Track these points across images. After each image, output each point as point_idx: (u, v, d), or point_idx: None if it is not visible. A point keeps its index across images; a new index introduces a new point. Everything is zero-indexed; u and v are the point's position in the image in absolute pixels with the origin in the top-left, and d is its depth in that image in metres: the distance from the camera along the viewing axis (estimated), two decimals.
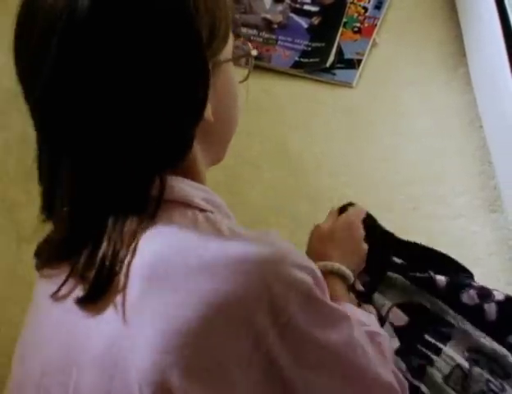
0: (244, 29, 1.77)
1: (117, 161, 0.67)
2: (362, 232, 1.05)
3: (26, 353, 0.74)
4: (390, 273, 1.07)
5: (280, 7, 1.81)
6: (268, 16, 1.79)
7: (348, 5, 1.78)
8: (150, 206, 0.68)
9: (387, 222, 1.44)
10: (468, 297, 1.04)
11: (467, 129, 1.58)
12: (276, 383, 0.66)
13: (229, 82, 0.78)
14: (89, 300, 0.67)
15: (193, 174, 0.74)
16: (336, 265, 0.97)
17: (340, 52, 1.71)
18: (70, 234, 0.70)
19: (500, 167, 1.48)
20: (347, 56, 1.70)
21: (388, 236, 1.12)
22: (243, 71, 0.84)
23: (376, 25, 1.74)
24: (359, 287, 1.05)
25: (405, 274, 1.08)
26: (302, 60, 1.71)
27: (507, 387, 0.96)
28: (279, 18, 1.79)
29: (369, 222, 1.10)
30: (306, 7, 1.80)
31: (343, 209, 1.12)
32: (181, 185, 0.70)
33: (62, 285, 0.69)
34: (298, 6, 1.81)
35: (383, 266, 1.07)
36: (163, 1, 0.65)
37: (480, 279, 1.12)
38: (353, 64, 1.69)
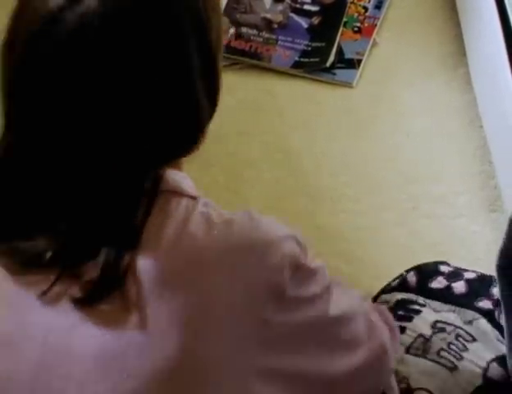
0: (244, 29, 1.77)
1: (121, 156, 0.67)
2: None
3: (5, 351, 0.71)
4: None
5: (280, 7, 1.80)
6: (268, 16, 1.79)
7: (348, 5, 1.77)
8: (145, 198, 0.68)
9: (387, 222, 1.44)
10: (437, 283, 1.06)
11: (467, 128, 1.58)
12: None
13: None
14: (90, 301, 0.66)
15: (175, 163, 0.75)
16: None
17: (340, 51, 1.71)
18: (67, 243, 0.68)
19: (501, 166, 1.48)
20: (347, 56, 1.70)
21: None
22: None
23: (376, 24, 1.74)
24: None
25: (384, 290, 1.10)
26: (302, 60, 1.71)
27: (471, 347, 0.97)
28: (279, 18, 1.79)
29: None
30: (306, 7, 1.80)
31: None
32: (171, 175, 0.71)
33: (52, 285, 0.67)
34: (298, 5, 1.80)
35: None
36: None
37: None
38: (353, 64, 1.69)
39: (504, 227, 1.40)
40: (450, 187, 1.49)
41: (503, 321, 0.96)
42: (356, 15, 1.76)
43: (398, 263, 1.24)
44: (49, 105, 0.66)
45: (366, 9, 1.77)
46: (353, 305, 0.83)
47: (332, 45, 1.72)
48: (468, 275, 1.09)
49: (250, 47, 1.73)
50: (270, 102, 1.67)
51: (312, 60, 1.70)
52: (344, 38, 1.73)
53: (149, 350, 0.65)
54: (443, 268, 1.11)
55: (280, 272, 0.70)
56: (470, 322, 1.01)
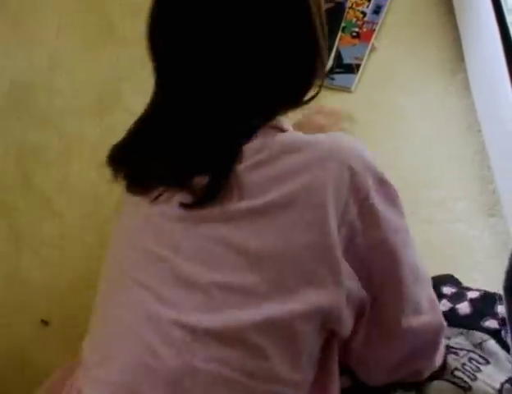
0: None
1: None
2: None
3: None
4: None
5: None
6: None
7: (346, 10, 1.78)
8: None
9: None
10: (441, 306, 1.05)
11: (466, 133, 1.58)
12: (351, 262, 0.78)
13: None
14: (202, 202, 0.77)
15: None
16: None
17: (338, 56, 1.71)
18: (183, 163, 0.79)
19: (499, 171, 1.48)
20: (346, 61, 1.70)
21: None
22: None
23: (374, 29, 1.74)
24: None
25: None
26: None
27: (484, 369, 0.96)
28: None
29: None
30: None
31: None
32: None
33: (161, 194, 0.80)
34: None
35: None
36: None
37: (479, 284, 1.12)
38: (351, 69, 1.69)
39: (502, 232, 1.42)
40: (448, 192, 1.49)
41: (509, 340, 0.96)
42: (355, 20, 1.77)
43: None
44: (189, 41, 0.78)
45: (364, 14, 1.77)
46: (425, 269, 0.89)
47: (331, 50, 1.72)
48: (472, 295, 1.08)
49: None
50: None
51: None
52: (342, 43, 1.73)
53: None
54: (446, 290, 1.10)
55: (363, 176, 0.79)
56: (480, 345, 1.00)
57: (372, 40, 1.72)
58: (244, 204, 0.76)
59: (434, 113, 1.62)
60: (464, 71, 1.66)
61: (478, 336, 1.01)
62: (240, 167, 0.77)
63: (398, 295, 0.83)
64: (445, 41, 1.73)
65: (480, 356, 0.99)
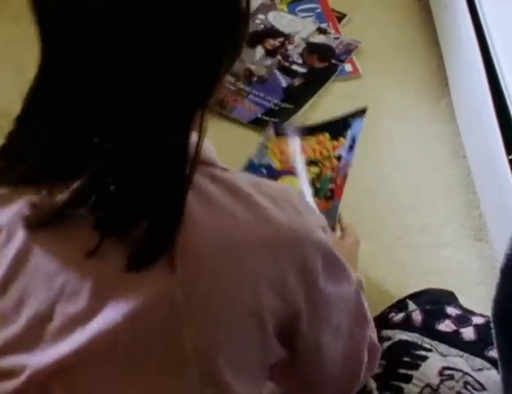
0: None
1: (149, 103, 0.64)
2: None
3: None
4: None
5: (268, 62, 1.77)
6: (252, 68, 1.75)
7: (320, 165, 1.28)
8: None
9: (373, 252, 1.44)
10: (444, 326, 1.05)
11: (451, 159, 1.59)
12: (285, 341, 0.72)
13: None
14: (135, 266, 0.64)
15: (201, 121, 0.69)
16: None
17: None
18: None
19: (485, 196, 1.49)
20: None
21: None
22: None
23: (346, 175, 1.26)
24: None
25: (387, 323, 1.10)
26: (263, 118, 1.66)
27: None
28: (262, 71, 1.75)
29: None
30: (294, 67, 1.76)
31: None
32: (204, 142, 0.67)
33: (100, 244, 0.63)
34: (287, 64, 1.76)
35: None
36: None
37: None
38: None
39: (489, 256, 1.42)
40: (435, 217, 1.49)
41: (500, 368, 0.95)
42: (330, 174, 1.27)
43: (384, 293, 1.24)
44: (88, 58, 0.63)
45: (340, 158, 1.29)
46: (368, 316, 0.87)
47: (299, 108, 1.66)
48: (477, 320, 1.07)
49: (219, 93, 1.68)
50: (253, 134, 1.67)
51: (271, 120, 1.64)
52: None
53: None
54: (450, 311, 1.09)
55: (313, 256, 0.70)
56: (480, 370, 0.99)
57: (343, 193, 1.26)
58: None
59: (419, 139, 1.63)
60: (449, 96, 1.68)
61: (479, 362, 1.00)
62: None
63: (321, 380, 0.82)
64: (430, 68, 1.75)
65: (476, 381, 0.98)
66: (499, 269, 0.94)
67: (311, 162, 1.26)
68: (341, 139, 1.26)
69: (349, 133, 1.26)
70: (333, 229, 1.17)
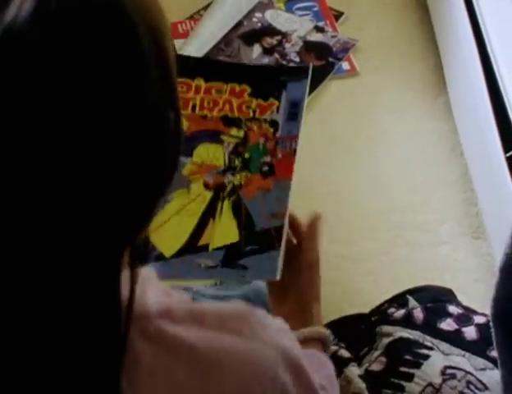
0: None
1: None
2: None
3: None
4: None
5: (266, 60, 1.76)
6: None
7: (244, 127, 0.98)
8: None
9: (369, 250, 1.44)
10: (446, 324, 1.04)
11: (449, 156, 1.59)
12: None
13: None
14: None
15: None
16: (323, 331, 0.90)
17: (247, 221, 0.94)
18: None
19: (483, 193, 1.49)
20: (259, 225, 0.94)
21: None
22: None
23: (295, 149, 0.99)
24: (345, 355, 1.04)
25: (387, 319, 1.09)
26: None
27: None
28: None
29: None
30: (292, 65, 1.73)
31: None
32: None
33: None
34: (284, 62, 1.75)
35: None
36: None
37: None
38: (270, 240, 0.93)
39: (486, 254, 1.42)
40: (432, 215, 1.49)
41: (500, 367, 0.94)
42: (263, 142, 0.98)
43: (381, 291, 1.24)
44: None
45: (275, 125, 0.98)
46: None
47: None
48: (478, 319, 1.07)
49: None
50: None
51: None
52: (248, 194, 0.95)
53: None
54: (452, 309, 1.09)
55: (283, 377, 0.61)
56: (482, 370, 0.99)
57: (294, 172, 1.01)
58: None
59: (417, 137, 1.63)
60: (446, 94, 1.68)
61: (481, 362, 1.00)
62: None
63: None
64: (427, 65, 1.75)
65: (478, 380, 0.97)
66: (498, 268, 0.94)
67: (228, 120, 0.97)
68: (272, 100, 0.98)
69: (285, 96, 0.98)
70: (283, 216, 0.93)
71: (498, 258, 1.38)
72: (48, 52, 0.44)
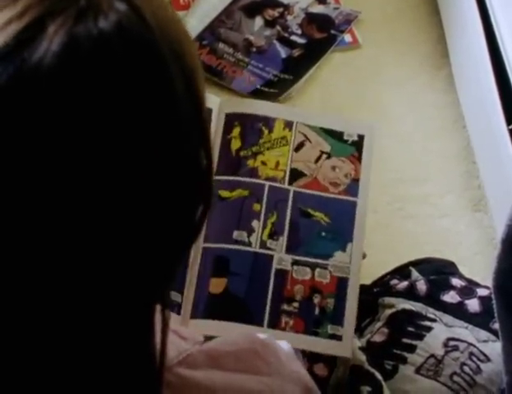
0: (221, 45, 1.71)
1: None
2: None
3: None
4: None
5: (267, 32, 1.75)
6: (251, 38, 1.73)
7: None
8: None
9: (372, 222, 1.44)
10: (449, 297, 1.05)
11: (451, 129, 1.59)
12: None
13: None
14: None
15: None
16: None
17: None
18: None
19: (485, 166, 1.49)
20: None
21: None
22: None
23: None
24: None
25: (389, 290, 1.09)
26: (262, 89, 1.64)
27: (485, 368, 0.96)
28: (261, 42, 1.73)
29: None
30: (293, 38, 1.73)
31: None
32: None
33: None
34: (286, 34, 1.74)
35: None
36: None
37: None
38: None
39: (488, 226, 1.43)
40: (434, 187, 1.49)
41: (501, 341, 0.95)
42: None
43: (383, 263, 1.24)
44: None
45: None
46: None
47: (299, 79, 1.64)
48: (481, 292, 1.07)
49: (218, 64, 1.67)
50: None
51: (271, 90, 1.64)
52: None
53: None
54: (455, 282, 1.09)
55: None
56: (485, 342, 1.00)
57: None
58: None
59: (419, 109, 1.62)
60: (449, 66, 1.67)
61: (484, 334, 1.01)
62: None
63: None
64: (430, 38, 1.74)
65: (481, 352, 0.98)
66: (499, 240, 0.94)
67: None
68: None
69: None
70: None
71: (499, 231, 1.39)
72: (76, 94, 0.41)
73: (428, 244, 1.40)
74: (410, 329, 1.01)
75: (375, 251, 1.40)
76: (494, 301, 0.94)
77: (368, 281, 1.18)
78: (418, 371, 0.97)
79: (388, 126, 1.60)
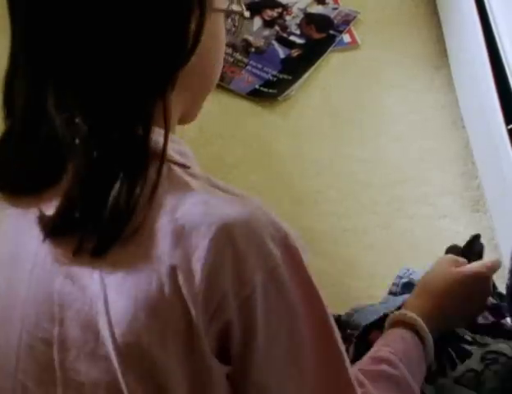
0: None
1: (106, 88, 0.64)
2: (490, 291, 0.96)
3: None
4: None
5: (266, 32, 1.76)
6: (250, 39, 1.74)
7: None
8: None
9: (371, 223, 1.45)
10: (483, 318, 1.02)
11: (450, 129, 1.59)
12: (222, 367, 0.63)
13: (219, 28, 0.77)
14: (102, 251, 0.62)
15: (163, 123, 0.68)
16: (422, 327, 0.87)
17: None
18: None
19: (483, 166, 1.49)
20: None
21: None
22: None
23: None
24: None
25: None
26: (261, 89, 1.65)
27: None
28: (259, 42, 1.74)
29: None
30: (292, 38, 1.74)
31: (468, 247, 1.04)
32: (156, 137, 0.66)
33: (82, 241, 0.61)
34: (285, 35, 1.75)
35: None
36: None
37: None
38: None
39: (487, 227, 1.42)
40: (433, 188, 1.50)
41: None
42: None
43: (382, 263, 1.25)
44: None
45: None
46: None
47: (297, 79, 1.65)
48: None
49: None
50: (255, 104, 1.66)
51: (270, 91, 1.64)
52: None
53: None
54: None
55: (252, 266, 0.63)
56: None
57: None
58: None
59: (417, 109, 1.63)
60: (447, 66, 1.67)
61: None
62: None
63: None
64: (429, 37, 1.74)
65: None
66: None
67: None
68: None
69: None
70: None
71: (498, 232, 1.39)
72: None
73: (427, 244, 1.41)
74: (449, 352, 0.98)
75: (374, 251, 1.40)
76: (507, 301, 0.94)
77: (367, 281, 1.18)
78: (457, 381, 0.95)
79: (387, 126, 1.60)
